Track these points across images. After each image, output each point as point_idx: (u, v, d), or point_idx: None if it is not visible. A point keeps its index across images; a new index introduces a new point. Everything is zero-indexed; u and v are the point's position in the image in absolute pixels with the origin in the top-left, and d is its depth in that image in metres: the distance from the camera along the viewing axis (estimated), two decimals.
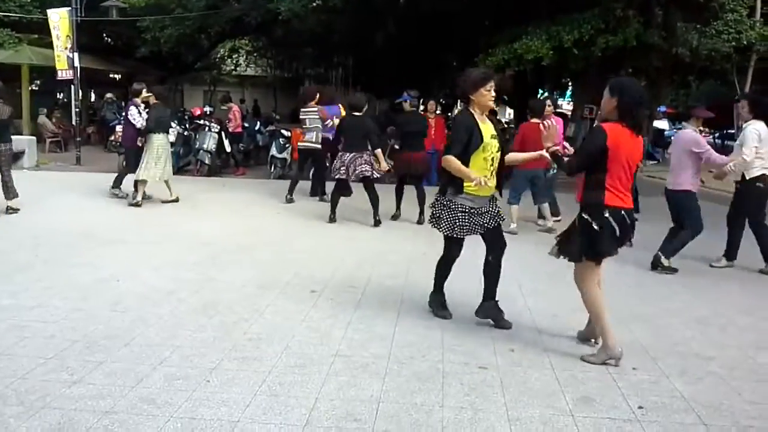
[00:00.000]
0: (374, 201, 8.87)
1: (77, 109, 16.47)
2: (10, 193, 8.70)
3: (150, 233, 7.85)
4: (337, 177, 8.82)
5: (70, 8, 15.61)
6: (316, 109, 10.42)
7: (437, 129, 13.63)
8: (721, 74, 20.35)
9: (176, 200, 9.99)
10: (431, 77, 22.22)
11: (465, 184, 4.57)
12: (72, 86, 16.27)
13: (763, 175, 6.75)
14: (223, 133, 14.48)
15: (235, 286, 5.65)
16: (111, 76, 24.00)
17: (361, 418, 3.36)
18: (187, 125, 15.61)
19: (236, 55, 31.65)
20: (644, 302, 5.71)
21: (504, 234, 4.88)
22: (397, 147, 11.37)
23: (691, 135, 6.95)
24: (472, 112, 4.66)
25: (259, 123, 17.51)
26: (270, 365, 3.98)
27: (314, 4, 16.73)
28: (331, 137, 10.03)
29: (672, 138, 7.17)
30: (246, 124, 16.35)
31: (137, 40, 21.06)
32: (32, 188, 10.14)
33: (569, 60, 14.03)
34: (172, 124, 14.71)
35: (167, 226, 8.29)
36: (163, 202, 9.89)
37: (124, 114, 10.80)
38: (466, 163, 4.54)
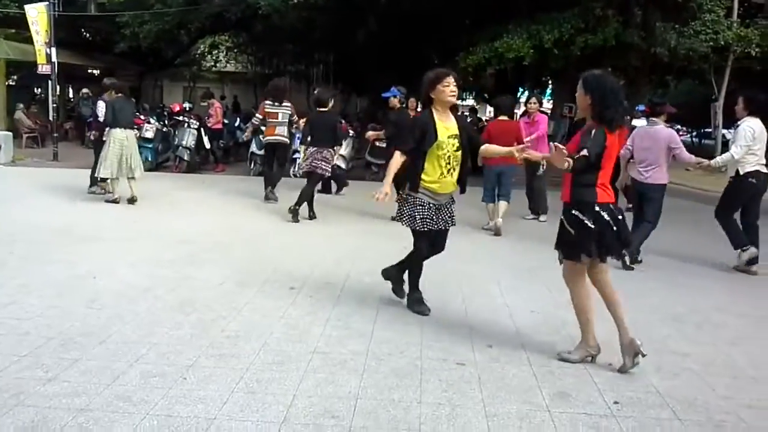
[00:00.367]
0: (306, 195, 8.85)
1: (54, 105, 16.30)
2: None
3: (127, 230, 7.78)
4: (303, 172, 8.85)
5: (47, 3, 15.44)
6: (289, 105, 10.40)
7: None
8: (698, 74, 20.59)
9: (133, 200, 9.37)
10: (412, 75, 22.22)
11: (422, 180, 4.74)
12: (49, 81, 16.09)
13: (757, 171, 6.78)
14: (202, 130, 14.39)
15: (212, 284, 5.62)
16: (89, 71, 23.75)
17: (338, 414, 3.36)
18: (166, 121, 15.51)
19: (216, 51, 31.48)
20: (620, 298, 5.74)
21: (446, 238, 5.02)
22: (382, 145, 11.29)
23: (669, 131, 7.09)
24: (433, 111, 4.76)
25: (239, 119, 17.44)
26: (247, 362, 3.96)
27: (295, 0, 16.66)
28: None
29: (642, 133, 7.15)
30: (226, 121, 16.27)
31: (116, 35, 20.89)
32: (8, 184, 10.04)
33: (549, 59, 14.13)
34: (151, 120, 14.63)
35: (145, 223, 8.23)
36: (129, 201, 9.40)
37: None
38: (423, 158, 4.71)
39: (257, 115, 10.43)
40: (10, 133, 15.35)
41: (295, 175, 12.98)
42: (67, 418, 3.19)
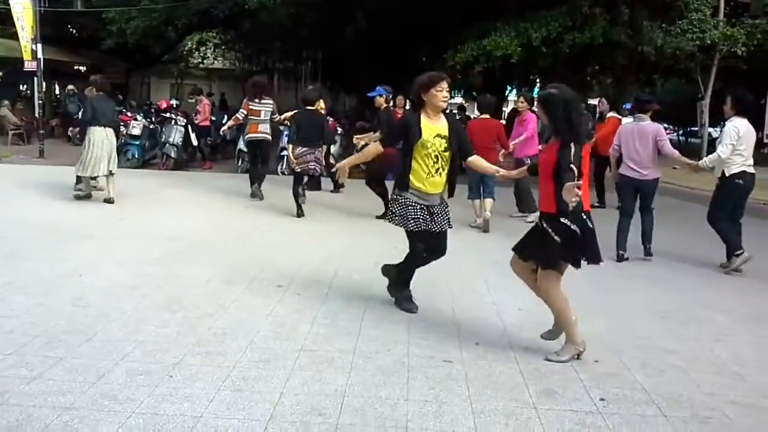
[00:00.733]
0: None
1: (40, 102, 16.18)
2: None
3: (114, 228, 7.74)
4: (296, 171, 8.95)
5: None
6: (271, 101, 10.41)
7: None
8: (685, 73, 20.70)
9: (110, 200, 9.24)
10: (401, 73, 22.24)
11: (410, 181, 4.78)
12: (35, 78, 15.97)
13: (743, 171, 6.73)
14: (189, 127, 14.33)
15: (199, 282, 5.60)
16: (76, 68, 23.59)
17: (325, 412, 3.35)
18: (153, 118, 15.43)
19: (204, 48, 31.36)
20: (607, 296, 5.79)
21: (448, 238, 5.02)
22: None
23: (656, 125, 7.21)
24: (421, 112, 4.80)
25: (226, 116, 17.37)
26: (234, 360, 3.95)
27: None
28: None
29: (631, 131, 7.20)
30: (213, 118, 16.21)
31: (103, 31, 20.75)
32: None
33: (537, 57, 14.17)
34: (138, 117, 14.55)
35: (131, 221, 8.19)
36: (105, 201, 9.30)
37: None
38: (409, 156, 4.78)
39: (241, 110, 10.42)
40: None
41: (282, 173, 12.96)
42: (52, 417, 3.17)
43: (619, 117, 11.51)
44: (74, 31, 24.93)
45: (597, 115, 12.02)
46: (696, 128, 23.75)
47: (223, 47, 31.15)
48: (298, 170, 8.90)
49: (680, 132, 36.05)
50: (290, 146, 8.94)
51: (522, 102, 10.11)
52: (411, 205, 4.78)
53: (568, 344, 4.23)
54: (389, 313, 4.98)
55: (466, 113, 22.86)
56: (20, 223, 7.61)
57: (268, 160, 11.08)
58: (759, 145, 18.40)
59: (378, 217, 8.84)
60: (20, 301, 4.85)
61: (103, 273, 5.72)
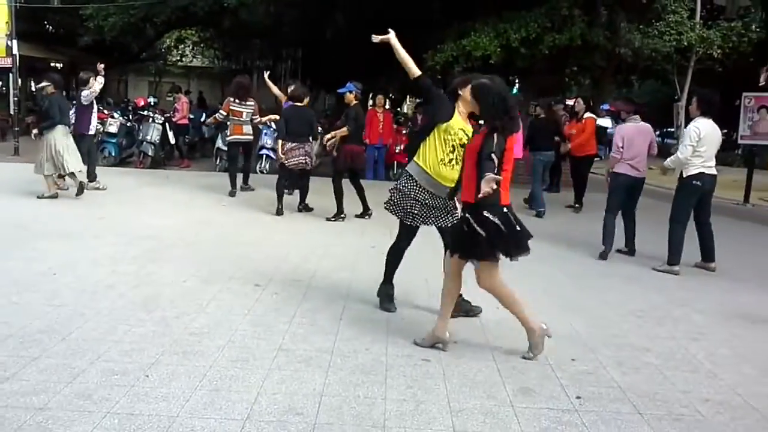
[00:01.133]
0: (304, 191, 9.22)
1: (16, 99, 15.97)
2: None
3: (89, 226, 7.64)
4: (294, 169, 9.06)
5: None
6: (253, 103, 10.49)
7: (386, 123, 13.67)
8: (662, 74, 20.91)
9: (54, 195, 9.22)
10: (381, 72, 22.23)
11: (424, 163, 4.72)
12: (10, 75, 15.75)
13: (701, 173, 6.71)
14: (167, 125, 14.22)
15: (176, 281, 5.55)
16: (52, 64, 23.29)
17: (303, 411, 3.34)
18: (131, 116, 15.29)
19: (182, 46, 31.13)
20: (584, 295, 5.83)
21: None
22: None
23: (650, 126, 7.43)
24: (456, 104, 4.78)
25: (205, 115, 17.28)
26: (211, 360, 3.93)
27: None
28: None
29: (634, 131, 7.34)
30: (191, 116, 16.10)
31: (80, 28, 20.52)
32: None
33: (516, 58, 14.21)
34: (115, 115, 14.42)
35: (107, 220, 8.09)
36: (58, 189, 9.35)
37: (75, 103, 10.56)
38: (426, 136, 4.74)
39: (221, 111, 10.44)
40: None
41: (261, 171, 12.90)
42: (25, 417, 3.13)
43: (595, 117, 11.60)
44: (51, 27, 24.59)
45: (572, 114, 12.12)
46: (672, 129, 24.00)
47: (202, 45, 30.92)
48: (288, 166, 8.94)
49: (657, 133, 36.37)
50: (280, 142, 8.96)
51: None
52: (414, 200, 4.76)
53: (530, 335, 4.23)
54: (368, 312, 4.98)
55: None
56: None
57: (251, 158, 11.40)
58: (733, 146, 18.74)
59: (357, 216, 8.87)
60: None
61: (79, 272, 5.66)
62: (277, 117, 10.38)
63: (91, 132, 10.21)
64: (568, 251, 7.55)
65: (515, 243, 4.14)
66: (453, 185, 4.71)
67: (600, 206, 7.76)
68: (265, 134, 12.80)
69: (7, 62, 15.30)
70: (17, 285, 5.18)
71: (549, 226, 8.86)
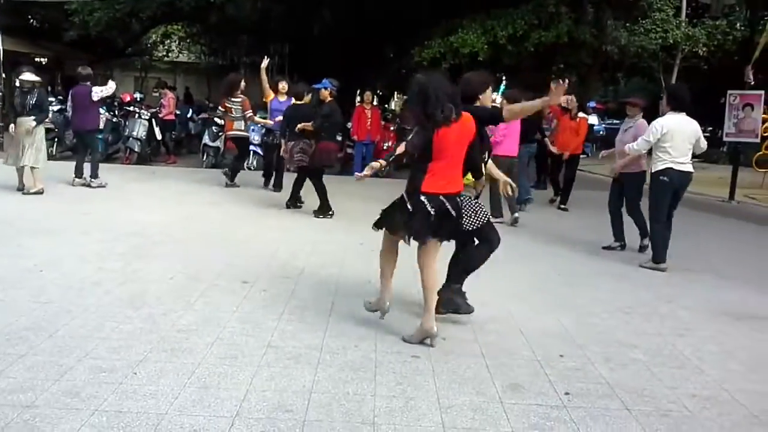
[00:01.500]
0: (322, 191, 8.86)
1: (0, 93, 15.79)
2: None
3: (76, 223, 7.58)
4: (293, 168, 9.19)
5: None
6: (240, 98, 10.56)
7: (373, 120, 13.66)
8: (648, 72, 21.06)
9: (40, 191, 9.20)
10: (368, 68, 22.22)
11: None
12: None
13: (668, 168, 6.63)
14: (153, 120, 14.14)
15: (164, 278, 5.52)
16: (37, 60, 23.07)
17: (292, 408, 3.34)
18: (117, 112, 15.18)
19: (169, 41, 30.92)
20: (572, 291, 5.85)
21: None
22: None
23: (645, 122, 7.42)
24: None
25: (191, 110, 17.19)
26: (200, 357, 3.91)
27: None
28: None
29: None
30: (178, 111, 16.01)
31: (65, 23, 20.33)
32: None
33: (503, 55, 14.26)
34: (100, 110, 14.28)
35: (94, 216, 8.03)
36: (24, 193, 9.19)
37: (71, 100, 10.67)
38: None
39: (219, 108, 10.88)
40: None
41: (249, 168, 12.85)
42: (12, 415, 3.10)
43: (587, 117, 11.64)
44: (35, 21, 24.36)
45: (564, 110, 12.12)
46: None
47: (188, 40, 30.75)
48: (292, 169, 9.03)
49: None
50: (283, 141, 8.96)
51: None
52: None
53: (427, 316, 4.28)
54: (357, 309, 4.96)
55: None
56: None
57: (245, 154, 11.67)
58: (718, 144, 18.88)
59: (315, 213, 8.82)
60: None
61: (65, 268, 5.62)
62: (270, 122, 10.43)
63: (101, 127, 10.37)
64: (559, 248, 7.57)
65: (445, 230, 4.29)
66: (472, 185, 4.77)
67: (585, 202, 7.81)
68: (253, 131, 12.74)
69: None
70: (3, 282, 5.13)
71: (537, 222, 8.90)
